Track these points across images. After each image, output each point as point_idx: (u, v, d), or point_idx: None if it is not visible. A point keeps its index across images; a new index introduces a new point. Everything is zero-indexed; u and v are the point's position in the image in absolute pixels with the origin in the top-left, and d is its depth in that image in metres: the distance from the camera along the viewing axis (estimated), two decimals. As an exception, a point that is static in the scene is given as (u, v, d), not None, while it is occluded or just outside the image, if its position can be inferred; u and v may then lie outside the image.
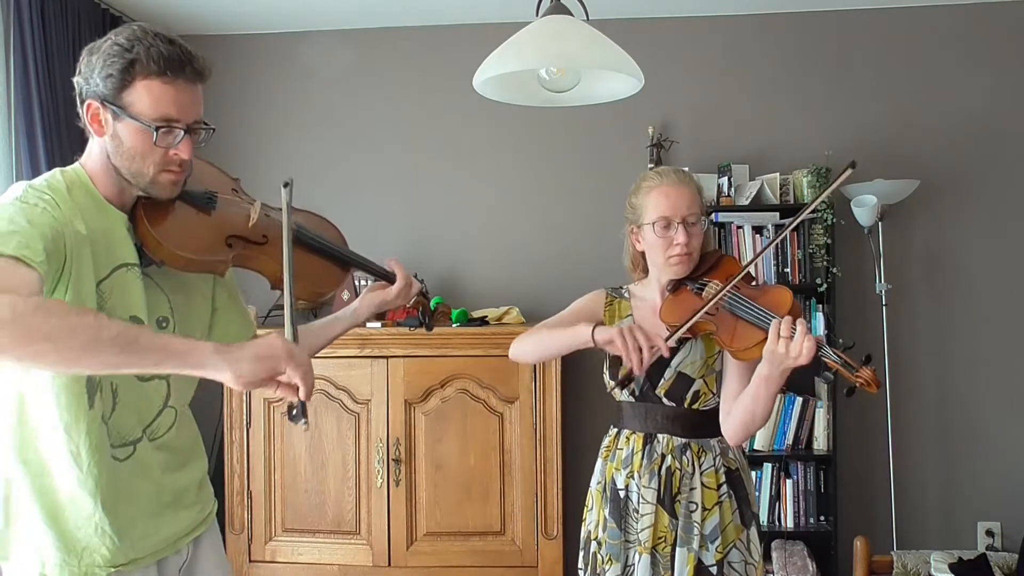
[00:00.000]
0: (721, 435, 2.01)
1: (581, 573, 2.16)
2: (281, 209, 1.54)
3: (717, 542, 1.99)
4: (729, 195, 3.66)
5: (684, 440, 2.03)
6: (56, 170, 1.49)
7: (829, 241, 3.56)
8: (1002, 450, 3.76)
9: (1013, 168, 3.75)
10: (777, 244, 3.56)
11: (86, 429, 1.44)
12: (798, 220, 2.06)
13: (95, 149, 1.49)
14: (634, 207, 2.06)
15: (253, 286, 1.78)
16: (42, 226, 1.33)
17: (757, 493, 3.53)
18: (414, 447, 3.50)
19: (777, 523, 3.61)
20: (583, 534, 2.17)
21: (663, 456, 2.02)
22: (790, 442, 3.60)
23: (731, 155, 3.77)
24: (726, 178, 3.67)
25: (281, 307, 1.46)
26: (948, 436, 3.80)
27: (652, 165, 3.69)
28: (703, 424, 2.03)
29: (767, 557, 3.45)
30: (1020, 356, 3.75)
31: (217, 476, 3.48)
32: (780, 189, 3.67)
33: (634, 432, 2.07)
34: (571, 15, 2.29)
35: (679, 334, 1.89)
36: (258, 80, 4.04)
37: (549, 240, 3.94)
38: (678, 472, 2.01)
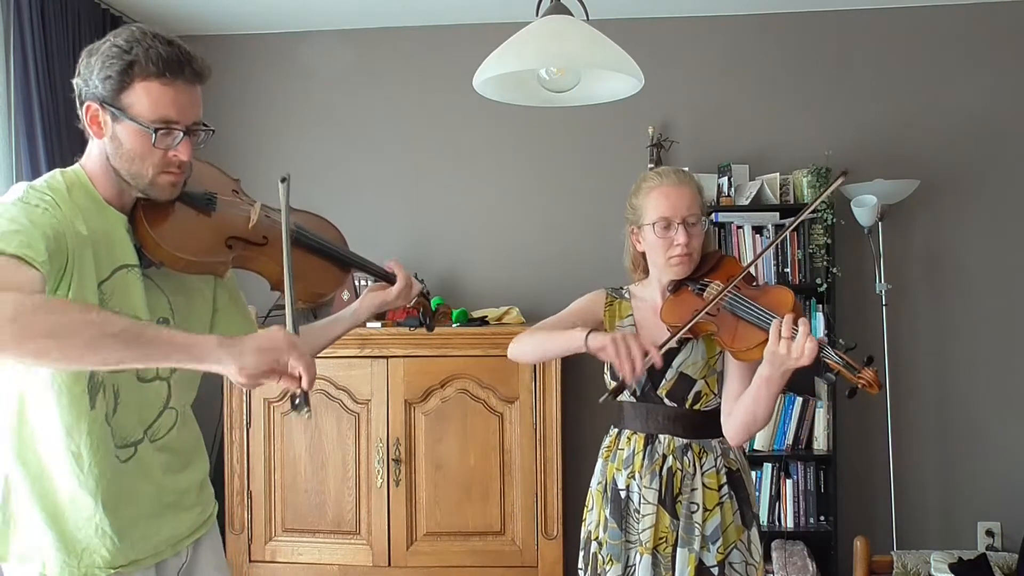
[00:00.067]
0: (722, 436, 2.01)
1: (581, 573, 2.16)
2: (280, 210, 1.54)
3: (718, 543, 1.99)
4: (729, 195, 3.66)
5: (685, 441, 2.03)
6: (56, 171, 1.49)
7: (829, 241, 3.56)
8: (1002, 450, 3.76)
9: (1013, 168, 3.75)
10: (777, 244, 3.56)
11: (87, 429, 1.44)
12: (793, 225, 2.06)
13: (95, 150, 1.49)
14: (634, 208, 2.06)
15: (253, 287, 1.77)
16: (44, 226, 1.33)
17: (757, 493, 3.53)
18: (414, 447, 3.50)
19: (777, 523, 3.61)
20: (583, 534, 2.16)
21: (664, 457, 2.02)
22: (790, 442, 3.60)
23: (731, 155, 3.77)
24: (726, 178, 3.67)
25: (281, 307, 1.46)
26: (948, 436, 3.80)
27: (652, 165, 3.69)
28: (704, 425, 2.02)
29: (767, 557, 3.45)
30: (1020, 356, 3.75)
31: (217, 476, 3.48)
32: (780, 189, 3.67)
33: (635, 432, 2.07)
34: (571, 15, 2.29)
35: (674, 340, 1.89)
36: (258, 80, 4.04)
37: (549, 240, 3.94)
38: (679, 473, 2.01)
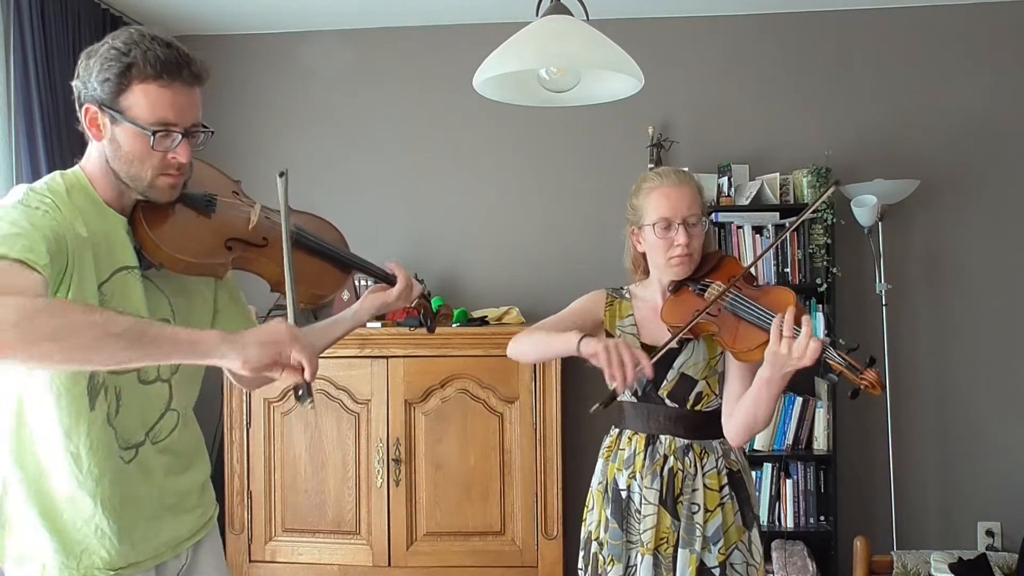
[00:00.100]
0: (723, 436, 2.01)
1: (581, 573, 2.16)
2: (280, 210, 1.54)
3: (719, 544, 1.98)
4: (729, 195, 3.66)
5: (686, 441, 2.02)
6: (56, 173, 1.49)
7: (829, 241, 3.56)
8: (1002, 450, 3.76)
9: (1013, 168, 3.75)
10: (777, 244, 3.57)
11: (87, 431, 1.44)
12: (790, 230, 2.07)
13: (94, 153, 1.49)
14: (634, 208, 2.06)
15: (253, 288, 1.77)
16: (44, 228, 1.33)
17: (757, 493, 3.53)
18: (414, 447, 3.50)
19: (777, 523, 3.61)
20: (583, 534, 2.16)
21: (665, 457, 2.02)
22: (790, 442, 3.60)
23: (731, 155, 3.77)
24: (726, 178, 3.67)
25: (281, 307, 1.46)
26: (948, 436, 3.80)
27: (652, 165, 3.69)
28: (705, 425, 2.02)
29: (767, 557, 3.45)
30: (1020, 356, 3.75)
31: (217, 476, 3.47)
32: (780, 189, 3.67)
33: (636, 433, 2.07)
34: (571, 15, 2.29)
35: (672, 343, 1.88)
36: (258, 80, 4.04)
37: (549, 240, 3.94)
38: (680, 473, 2.00)
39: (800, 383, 3.50)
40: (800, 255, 3.61)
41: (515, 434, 3.46)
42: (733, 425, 1.95)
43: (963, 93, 3.75)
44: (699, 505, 1.99)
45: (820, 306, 3.59)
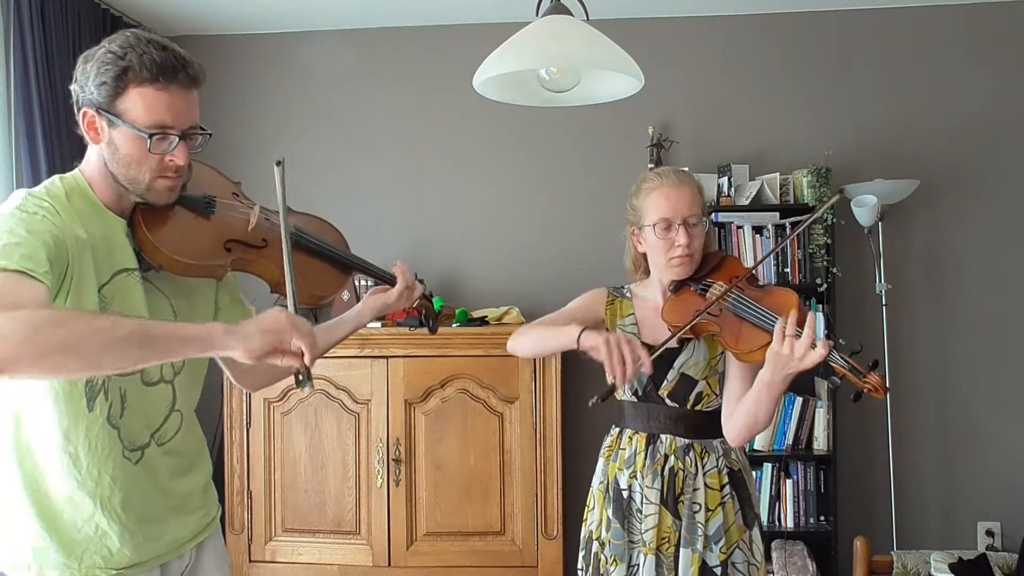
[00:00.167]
0: (724, 436, 2.01)
1: (581, 573, 2.16)
2: (279, 211, 1.54)
3: (721, 543, 1.98)
4: (729, 195, 3.66)
5: (687, 441, 2.02)
6: (56, 177, 1.50)
7: (829, 241, 3.56)
8: (1002, 450, 3.76)
9: (1013, 168, 3.75)
10: (777, 244, 3.56)
11: (85, 432, 1.45)
12: (792, 236, 2.06)
13: (93, 156, 1.50)
14: (635, 208, 2.06)
15: (253, 289, 1.77)
16: (43, 234, 1.34)
17: (758, 493, 3.53)
18: (414, 447, 3.50)
19: (777, 523, 3.61)
20: (584, 534, 2.16)
21: (666, 457, 2.02)
22: (790, 442, 3.61)
23: (731, 155, 3.77)
24: (726, 178, 3.67)
25: (282, 307, 1.46)
26: (948, 436, 3.80)
27: (652, 165, 3.69)
28: (706, 425, 2.02)
29: (767, 557, 3.45)
30: (1020, 356, 3.75)
31: (217, 476, 3.46)
32: (780, 189, 3.67)
33: (636, 432, 2.07)
34: (571, 15, 2.29)
35: (671, 342, 1.88)
36: (258, 80, 4.04)
37: (549, 240, 3.94)
38: (681, 473, 2.00)
39: (800, 383, 3.50)
40: (800, 255, 3.61)
41: (515, 434, 3.46)
42: (733, 426, 1.95)
43: (963, 93, 3.75)
44: (700, 504, 1.99)
45: (820, 306, 3.58)
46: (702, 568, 1.97)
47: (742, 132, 3.84)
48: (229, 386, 3.52)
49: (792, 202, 3.65)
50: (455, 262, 3.98)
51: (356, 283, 3.58)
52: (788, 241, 3.54)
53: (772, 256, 3.60)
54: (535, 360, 3.42)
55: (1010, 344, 3.76)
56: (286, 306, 1.47)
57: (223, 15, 3.83)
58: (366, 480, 3.50)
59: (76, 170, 1.52)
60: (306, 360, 1.38)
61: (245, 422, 3.55)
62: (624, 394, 2.09)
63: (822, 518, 3.60)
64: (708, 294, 1.94)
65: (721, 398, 2.01)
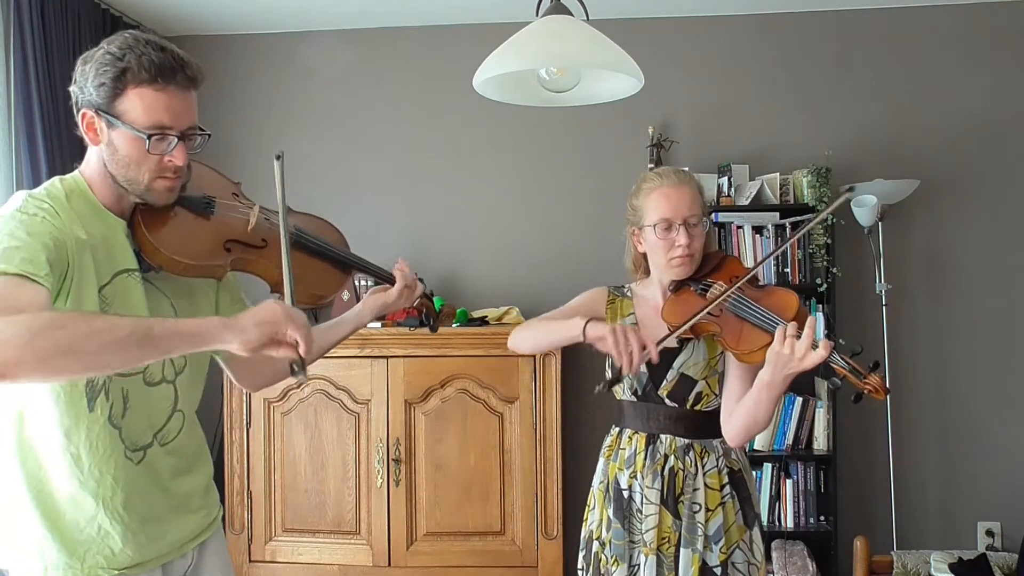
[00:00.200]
0: (723, 436, 2.01)
1: (581, 573, 2.16)
2: (279, 218, 1.55)
3: (721, 543, 1.98)
4: (729, 195, 3.66)
5: (687, 441, 2.02)
6: (56, 178, 1.50)
7: (829, 241, 3.56)
8: (1002, 450, 3.76)
9: (1013, 168, 3.75)
10: (777, 244, 3.57)
11: (86, 432, 1.45)
12: (796, 236, 2.06)
13: (93, 157, 1.50)
14: (635, 209, 2.06)
15: (253, 289, 1.77)
16: (43, 236, 1.35)
17: (758, 493, 3.53)
18: (414, 447, 3.50)
19: (777, 523, 3.61)
20: (584, 534, 2.16)
21: (666, 457, 2.02)
22: (790, 442, 3.61)
23: (731, 155, 3.77)
24: (726, 178, 3.67)
25: (278, 299, 1.47)
26: (948, 436, 3.80)
27: (652, 165, 3.69)
28: (706, 425, 2.02)
29: (767, 557, 3.45)
30: (1020, 356, 3.75)
31: (217, 476, 3.46)
32: (780, 189, 3.67)
33: (636, 432, 2.07)
34: (571, 15, 2.29)
35: (676, 335, 1.88)
36: (258, 80, 4.04)
37: (549, 240, 3.94)
38: (681, 472, 2.01)
39: (800, 383, 3.51)
40: (800, 255, 3.61)
41: (515, 434, 3.47)
42: (732, 426, 1.95)
43: (963, 93, 3.75)
44: (700, 504, 1.99)
45: (820, 306, 3.59)
46: (702, 568, 1.97)
47: (742, 132, 3.84)
48: (229, 386, 3.52)
49: (792, 202, 3.65)
50: (455, 262, 3.98)
51: (356, 283, 3.58)
52: (788, 239, 3.54)
53: (772, 257, 3.59)
54: (535, 360, 3.42)
55: (1010, 344, 3.76)
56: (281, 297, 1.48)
57: (223, 15, 3.83)
58: (366, 480, 3.50)
59: (76, 171, 1.52)
60: (301, 351, 1.38)
61: (245, 422, 3.55)
62: (624, 394, 2.09)
63: (822, 518, 3.60)
64: (708, 294, 1.94)
65: (721, 398, 2.01)
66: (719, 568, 1.98)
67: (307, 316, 1.44)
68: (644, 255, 2.09)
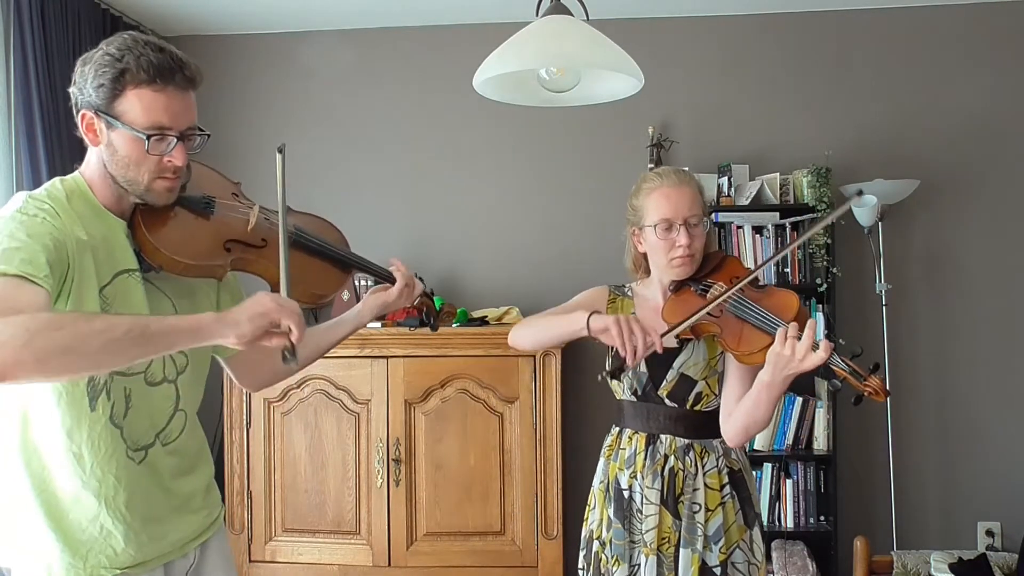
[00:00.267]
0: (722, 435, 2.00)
1: (582, 573, 2.16)
2: (279, 212, 1.55)
3: (720, 543, 1.98)
4: (729, 195, 3.66)
5: (687, 441, 2.02)
6: (56, 179, 1.51)
7: (829, 241, 3.56)
8: (1002, 450, 3.76)
9: (1013, 168, 3.75)
10: (777, 244, 3.57)
11: (88, 431, 1.46)
12: (799, 241, 2.06)
13: (93, 158, 1.51)
14: (635, 209, 2.05)
15: (254, 289, 1.77)
16: (43, 237, 1.35)
17: (758, 493, 3.53)
18: (414, 447, 3.50)
19: (777, 523, 3.61)
20: (584, 533, 2.16)
21: (666, 457, 2.02)
22: (790, 442, 3.61)
23: (731, 155, 3.77)
24: (726, 178, 3.67)
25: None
26: (948, 436, 3.80)
27: (652, 165, 3.69)
28: (706, 425, 2.02)
29: (767, 557, 3.45)
30: (1020, 356, 3.75)
31: (217, 476, 3.46)
32: (780, 189, 3.67)
33: (636, 432, 2.07)
34: (571, 15, 2.29)
35: (678, 331, 1.88)
36: (258, 80, 4.04)
37: (549, 240, 3.94)
38: (681, 473, 2.00)
39: (800, 383, 3.50)
40: (800, 255, 3.61)
41: (515, 434, 3.46)
42: (731, 426, 1.95)
43: (963, 93, 3.75)
44: (700, 504, 1.99)
45: (820, 306, 3.59)
46: (702, 568, 1.97)
47: (742, 132, 3.84)
48: (229, 386, 3.52)
49: (792, 202, 3.65)
50: (455, 262, 3.98)
51: (356, 283, 3.58)
52: (788, 239, 3.54)
53: (774, 260, 3.59)
54: (535, 360, 3.43)
55: (1010, 344, 3.76)
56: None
57: (223, 15, 3.83)
58: (366, 480, 3.50)
59: (76, 172, 1.53)
60: (293, 338, 1.39)
61: (245, 422, 3.55)
62: (624, 394, 2.09)
63: (822, 518, 3.60)
64: (708, 295, 1.94)
65: (720, 398, 2.01)
66: (719, 568, 1.98)
67: (307, 316, 1.45)
68: (644, 255, 2.09)
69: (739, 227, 3.60)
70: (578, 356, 3.61)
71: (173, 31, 3.93)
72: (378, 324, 3.48)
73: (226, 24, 3.93)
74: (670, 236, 1.97)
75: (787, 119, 3.84)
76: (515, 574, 3.47)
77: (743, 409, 1.90)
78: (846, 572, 3.28)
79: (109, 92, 1.42)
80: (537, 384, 3.44)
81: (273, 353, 1.43)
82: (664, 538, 1.99)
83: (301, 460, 3.53)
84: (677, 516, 1.99)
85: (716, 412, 2.02)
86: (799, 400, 3.59)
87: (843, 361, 1.71)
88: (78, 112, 1.46)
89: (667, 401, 2.03)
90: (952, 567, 2.95)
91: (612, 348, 2.01)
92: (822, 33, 3.83)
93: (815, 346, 1.70)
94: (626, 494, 2.05)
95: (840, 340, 3.42)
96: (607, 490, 2.10)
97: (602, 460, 2.15)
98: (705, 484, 2.00)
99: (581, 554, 2.17)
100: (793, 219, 3.58)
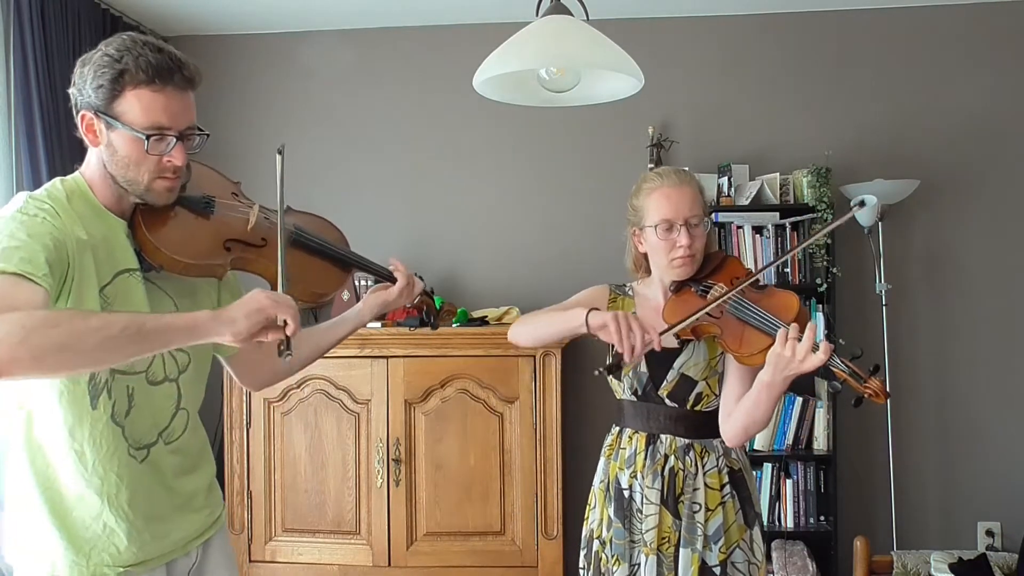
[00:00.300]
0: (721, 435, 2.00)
1: (582, 572, 2.16)
2: (278, 212, 1.55)
3: (720, 543, 1.98)
4: (729, 195, 3.66)
5: (687, 441, 2.02)
6: (56, 179, 1.52)
7: (829, 241, 3.56)
8: (1002, 450, 3.76)
9: (1013, 168, 3.75)
10: (777, 244, 3.57)
11: (89, 430, 1.46)
12: (802, 247, 2.06)
13: (93, 158, 1.51)
14: (635, 209, 2.05)
15: (255, 288, 1.78)
16: (43, 236, 1.36)
17: (758, 493, 3.53)
18: (414, 447, 3.50)
19: (777, 523, 3.61)
20: (585, 533, 2.16)
21: (666, 457, 2.02)
22: (790, 442, 3.61)
23: (731, 155, 3.77)
24: (726, 178, 3.67)
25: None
26: (948, 436, 3.80)
27: (652, 165, 3.69)
28: (706, 425, 2.02)
29: (767, 557, 3.45)
30: (1020, 356, 3.75)
31: (217, 476, 3.47)
32: (780, 189, 3.67)
33: (636, 432, 2.07)
34: (571, 15, 2.29)
35: (677, 330, 1.88)
36: (258, 80, 4.04)
37: (549, 240, 3.94)
38: (681, 472, 2.01)
39: (800, 383, 3.50)
40: (800, 255, 3.61)
41: (515, 434, 3.46)
42: (731, 426, 1.95)
43: (963, 93, 3.75)
44: (700, 504, 1.99)
45: (820, 306, 3.59)
46: (702, 568, 1.97)
47: (742, 132, 3.84)
48: (229, 386, 3.52)
49: (792, 202, 3.65)
50: (455, 262, 3.98)
51: (356, 283, 3.58)
52: (788, 239, 3.54)
53: (772, 256, 3.59)
54: (535, 360, 3.42)
55: (1010, 344, 3.76)
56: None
57: (223, 15, 3.83)
58: (366, 480, 3.50)
59: (76, 172, 1.53)
60: (289, 331, 1.40)
61: (245, 422, 3.55)
62: (624, 394, 2.09)
63: (822, 518, 3.60)
64: (709, 295, 1.94)
65: (720, 398, 2.01)
66: (719, 568, 1.98)
67: (307, 316, 1.45)
68: (645, 255, 2.09)
69: (739, 227, 3.60)
70: (578, 356, 3.61)
71: (173, 31, 3.93)
72: (378, 324, 3.48)
73: (226, 24, 3.93)
74: (671, 236, 1.97)
75: (787, 119, 3.84)
76: (515, 574, 3.47)
77: (743, 409, 1.90)
78: (846, 572, 3.28)
79: (108, 93, 1.42)
80: (537, 384, 3.44)
81: (272, 352, 1.43)
82: (664, 538, 2.00)
83: (301, 460, 3.53)
84: (677, 516, 1.99)
85: (716, 412, 2.02)
86: (799, 400, 3.59)
87: (843, 363, 1.71)
88: (78, 113, 1.47)
89: (667, 401, 2.03)
90: (952, 567, 2.95)
91: (612, 346, 2.01)
92: (822, 33, 3.83)
93: (815, 347, 1.70)
94: (626, 494, 2.05)
95: (840, 340, 3.42)
96: (607, 490, 2.10)
97: (602, 460, 2.15)
98: (705, 484, 2.00)
99: (581, 553, 2.17)
100: (793, 219, 3.58)
